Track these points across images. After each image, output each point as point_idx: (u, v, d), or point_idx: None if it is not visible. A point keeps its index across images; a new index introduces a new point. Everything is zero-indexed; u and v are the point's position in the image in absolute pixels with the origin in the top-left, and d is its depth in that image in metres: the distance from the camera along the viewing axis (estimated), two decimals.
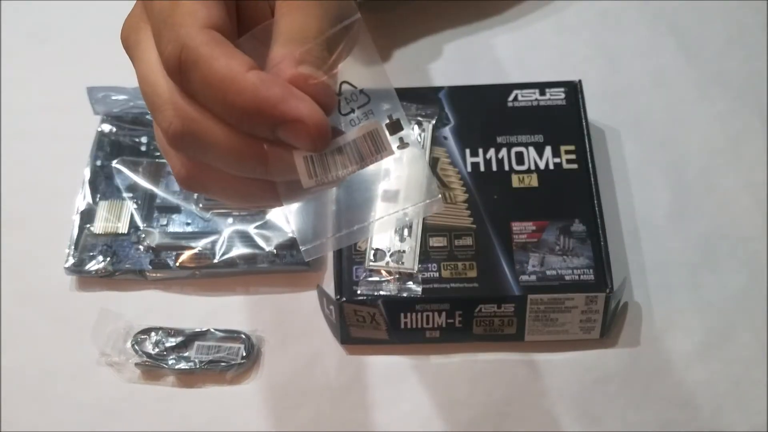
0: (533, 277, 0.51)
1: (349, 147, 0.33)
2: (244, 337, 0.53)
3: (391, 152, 0.33)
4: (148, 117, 0.61)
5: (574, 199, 0.54)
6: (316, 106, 0.31)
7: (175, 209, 0.57)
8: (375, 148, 0.33)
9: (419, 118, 0.57)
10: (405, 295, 0.51)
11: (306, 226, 0.36)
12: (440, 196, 0.34)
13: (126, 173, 0.59)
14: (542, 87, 0.58)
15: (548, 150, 0.56)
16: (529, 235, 0.52)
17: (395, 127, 0.33)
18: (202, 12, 0.33)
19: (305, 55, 0.32)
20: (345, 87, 0.34)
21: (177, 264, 0.55)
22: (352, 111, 0.34)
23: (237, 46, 0.33)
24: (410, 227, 0.53)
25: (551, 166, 0.55)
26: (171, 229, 0.56)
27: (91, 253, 0.55)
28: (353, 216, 0.35)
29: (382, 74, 0.34)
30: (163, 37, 0.33)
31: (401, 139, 0.33)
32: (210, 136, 0.33)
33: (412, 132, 0.34)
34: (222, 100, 0.32)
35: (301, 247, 0.35)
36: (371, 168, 0.33)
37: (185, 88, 0.33)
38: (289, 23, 0.34)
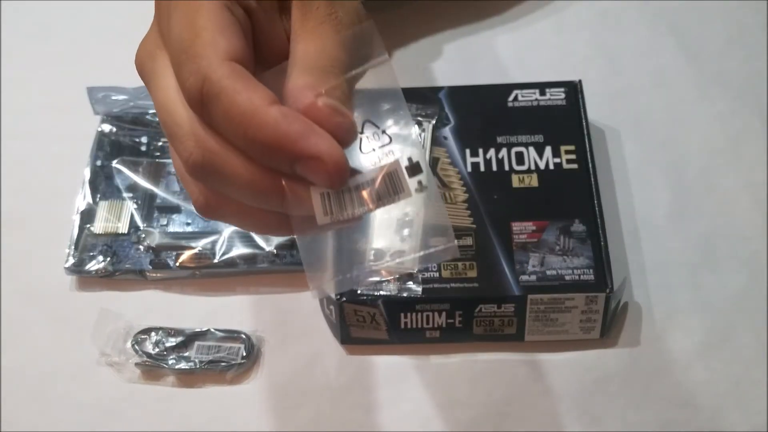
0: (533, 277, 0.51)
1: (367, 186, 0.33)
2: (244, 337, 0.53)
3: (409, 194, 0.33)
4: (149, 117, 0.61)
5: (574, 199, 0.54)
6: (336, 144, 0.32)
7: (175, 209, 0.57)
8: (393, 189, 0.33)
9: (419, 118, 0.57)
10: (405, 295, 0.51)
11: (316, 263, 0.36)
12: (456, 242, 0.34)
13: (126, 173, 0.59)
14: (542, 87, 0.58)
15: (548, 150, 0.56)
16: (529, 235, 0.52)
17: (415, 169, 0.33)
18: (222, 43, 0.33)
19: (332, 91, 0.32)
20: (368, 126, 0.34)
21: (177, 264, 0.55)
22: (373, 150, 0.34)
23: (261, 79, 0.33)
24: (410, 227, 0.53)
25: (551, 166, 0.55)
26: (171, 229, 0.56)
27: (91, 253, 0.55)
28: (365, 256, 0.35)
29: (403, 107, 0.34)
30: (183, 69, 0.33)
31: (420, 182, 0.33)
32: (229, 168, 0.33)
33: (431, 175, 0.33)
34: (243, 134, 0.32)
35: (309, 285, 0.35)
36: (389, 208, 0.33)
37: (206, 119, 0.33)
38: (304, 50, 0.34)
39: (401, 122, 0.34)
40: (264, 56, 0.36)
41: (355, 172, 0.33)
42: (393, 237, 0.47)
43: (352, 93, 0.34)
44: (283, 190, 0.33)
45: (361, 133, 0.34)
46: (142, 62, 0.36)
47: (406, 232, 0.46)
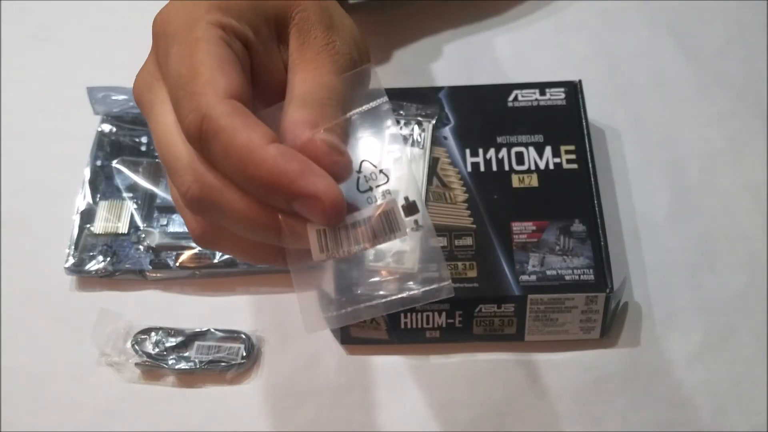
0: (533, 277, 0.51)
1: (363, 224, 0.33)
2: (244, 337, 0.53)
3: (405, 233, 0.33)
4: None
5: (574, 199, 0.54)
6: (333, 183, 0.32)
7: (175, 209, 0.57)
8: (389, 228, 0.33)
9: (419, 118, 0.57)
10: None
11: (310, 299, 0.37)
12: (450, 281, 0.35)
13: (126, 173, 0.59)
14: (542, 87, 0.58)
15: (548, 150, 0.56)
16: (529, 235, 0.52)
17: (411, 209, 0.34)
18: (221, 80, 0.33)
19: (330, 129, 0.33)
20: (365, 165, 0.34)
21: (177, 264, 0.55)
22: (370, 189, 0.34)
23: (259, 116, 0.33)
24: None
25: (551, 166, 0.55)
26: (171, 229, 0.56)
27: (91, 253, 0.55)
28: (359, 293, 0.36)
29: (401, 147, 0.35)
30: (183, 106, 0.33)
31: (416, 222, 0.34)
32: (227, 203, 0.33)
33: (427, 215, 0.34)
34: (241, 172, 0.32)
35: (303, 320, 0.35)
36: (385, 246, 0.34)
37: (204, 155, 0.33)
38: (302, 80, 0.34)
39: (398, 161, 0.35)
40: (262, 87, 0.36)
41: (351, 209, 0.33)
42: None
43: (350, 131, 0.34)
44: (280, 225, 0.33)
45: (359, 171, 0.34)
46: (140, 93, 0.37)
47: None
